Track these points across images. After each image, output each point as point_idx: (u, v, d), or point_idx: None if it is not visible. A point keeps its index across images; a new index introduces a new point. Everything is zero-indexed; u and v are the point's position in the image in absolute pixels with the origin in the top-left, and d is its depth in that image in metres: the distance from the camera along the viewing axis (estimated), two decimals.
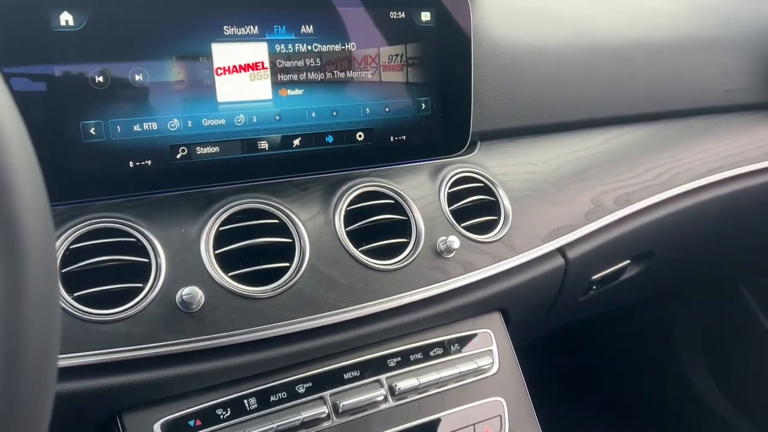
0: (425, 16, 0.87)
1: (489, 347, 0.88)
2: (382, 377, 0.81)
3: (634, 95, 1.11)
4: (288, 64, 0.79)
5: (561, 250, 0.96)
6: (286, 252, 0.76)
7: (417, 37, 0.87)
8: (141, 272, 0.69)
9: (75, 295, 0.66)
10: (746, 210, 1.24)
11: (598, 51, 1.07)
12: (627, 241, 1.05)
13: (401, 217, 0.83)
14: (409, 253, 0.82)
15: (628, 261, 1.13)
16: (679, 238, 1.17)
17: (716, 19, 1.25)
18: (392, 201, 0.84)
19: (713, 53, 1.21)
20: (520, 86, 0.99)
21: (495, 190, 0.92)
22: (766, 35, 1.24)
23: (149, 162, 0.73)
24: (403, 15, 0.86)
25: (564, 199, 0.98)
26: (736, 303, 1.65)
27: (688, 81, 1.17)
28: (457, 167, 0.91)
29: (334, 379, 0.79)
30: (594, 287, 1.11)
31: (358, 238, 0.80)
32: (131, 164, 0.73)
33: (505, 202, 0.91)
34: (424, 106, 0.89)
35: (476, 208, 0.90)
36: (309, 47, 0.80)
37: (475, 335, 0.88)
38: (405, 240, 0.83)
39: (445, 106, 0.90)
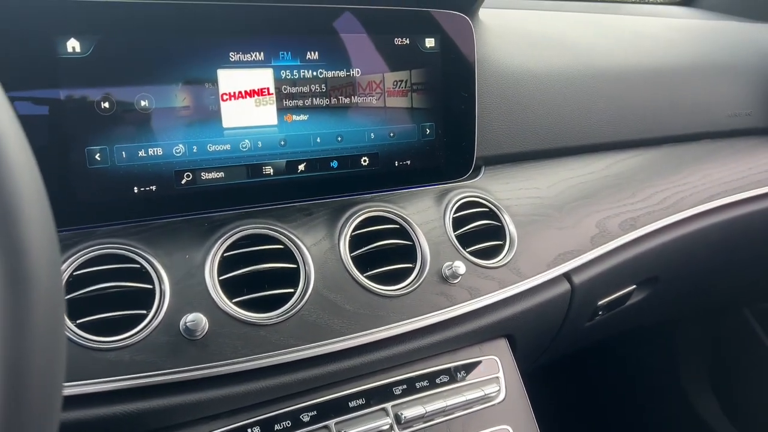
0: (429, 42, 0.88)
1: (495, 374, 0.87)
2: (388, 405, 0.80)
3: (637, 120, 1.11)
4: (293, 89, 0.80)
5: (567, 276, 0.95)
6: (290, 278, 0.75)
7: (421, 63, 0.88)
8: (145, 299, 0.68)
9: (78, 322, 0.65)
10: (749, 235, 1.23)
11: (601, 77, 1.08)
12: (632, 266, 1.04)
13: (406, 242, 0.83)
14: (414, 279, 0.81)
15: (633, 286, 1.12)
16: (683, 263, 1.17)
17: (719, 45, 1.25)
18: (397, 226, 0.84)
19: (716, 78, 1.21)
20: (524, 111, 0.99)
21: (500, 215, 0.91)
22: (766, 60, 1.25)
23: (154, 187, 0.73)
24: (408, 41, 0.86)
25: (569, 223, 0.97)
26: (740, 327, 1.64)
27: (692, 106, 1.17)
28: (462, 192, 0.91)
29: (339, 407, 0.77)
30: (600, 313, 1.10)
31: (363, 263, 0.79)
32: (136, 190, 0.72)
33: (511, 227, 0.91)
34: (428, 131, 0.89)
35: (481, 233, 0.89)
36: (314, 73, 0.81)
37: (481, 362, 0.87)
38: (410, 265, 0.82)
39: (450, 131, 0.90)
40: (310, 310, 0.74)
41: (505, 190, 0.96)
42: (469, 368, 0.86)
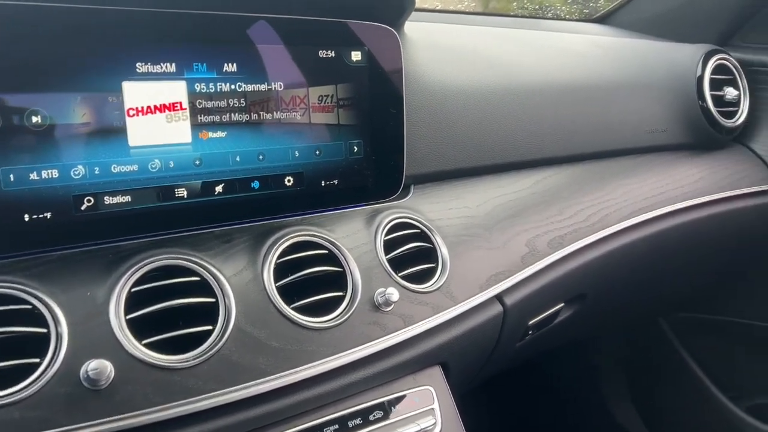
0: (356, 55, 0.83)
1: (431, 406, 0.83)
2: None
3: (562, 136, 1.11)
4: (209, 104, 0.73)
5: (499, 297, 0.92)
6: (208, 313, 0.67)
7: (347, 77, 0.82)
8: (38, 345, 0.59)
9: None
10: (667, 249, 1.25)
11: (527, 93, 1.06)
12: (561, 285, 1.03)
13: (336, 269, 0.77)
14: (345, 309, 0.76)
15: (562, 304, 1.11)
16: (608, 279, 1.17)
17: (635, 62, 1.28)
18: (326, 251, 0.78)
19: (634, 95, 1.23)
20: (452, 128, 0.96)
21: (432, 237, 0.87)
22: (680, 79, 1.28)
23: (49, 215, 0.64)
24: (333, 54, 0.81)
25: (500, 243, 0.95)
26: (657, 337, 1.68)
27: (614, 122, 1.19)
28: (392, 213, 0.86)
29: None
30: (530, 332, 1.08)
31: (289, 293, 0.73)
32: (27, 218, 0.63)
33: (443, 249, 0.87)
34: (356, 148, 0.84)
35: (413, 255, 0.85)
36: (232, 86, 0.74)
37: (415, 394, 0.83)
38: (341, 293, 0.76)
39: (378, 149, 0.86)
40: (231, 349, 0.67)
41: (435, 210, 0.92)
42: (403, 401, 0.81)
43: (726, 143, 1.35)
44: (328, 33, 0.80)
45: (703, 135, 1.29)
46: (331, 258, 0.78)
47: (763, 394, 1.56)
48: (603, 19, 1.55)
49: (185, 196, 0.72)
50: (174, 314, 0.65)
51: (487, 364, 1.03)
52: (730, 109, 1.31)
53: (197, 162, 0.73)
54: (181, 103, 0.71)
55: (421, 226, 0.87)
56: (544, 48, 1.17)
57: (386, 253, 0.82)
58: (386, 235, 0.83)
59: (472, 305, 0.87)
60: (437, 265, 0.86)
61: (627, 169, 1.21)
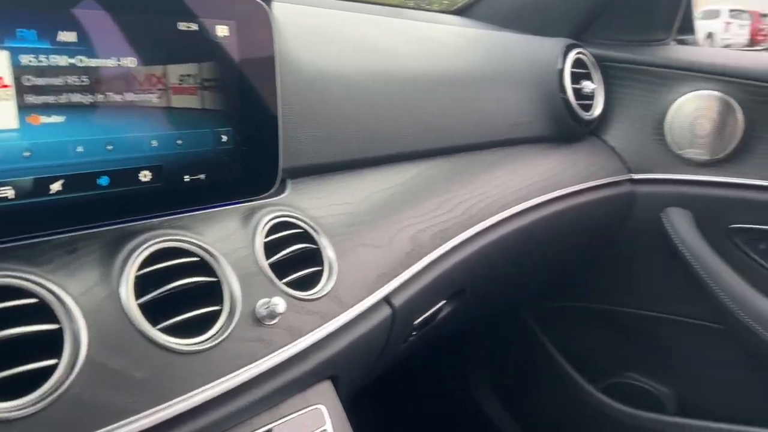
0: (222, 30, 0.71)
1: (322, 427, 0.73)
2: None
3: (437, 128, 1.07)
4: (40, 81, 0.58)
5: (387, 299, 0.86)
6: (51, 344, 0.53)
7: (213, 54, 0.71)
8: None
9: None
10: (534, 241, 1.26)
11: (404, 83, 1.01)
12: (444, 281, 0.99)
13: (209, 279, 0.65)
14: (222, 326, 0.64)
15: (444, 301, 1.07)
16: (484, 273, 1.15)
17: (500, 54, 1.28)
18: (196, 259, 0.66)
19: (500, 87, 1.23)
20: (327, 117, 0.88)
21: (315, 237, 0.78)
22: (542, 72, 1.30)
23: None
24: (196, 27, 0.69)
25: (385, 240, 0.88)
26: (519, 325, 1.72)
27: (484, 114, 1.17)
28: (270, 211, 0.76)
29: None
30: (414, 333, 1.03)
31: (154, 312, 0.60)
32: None
33: (328, 250, 0.78)
34: (225, 138, 0.73)
35: (296, 258, 0.75)
36: (71, 61, 0.60)
37: (306, 415, 0.73)
38: (217, 308, 0.65)
39: (250, 139, 0.75)
40: (83, 387, 0.53)
41: (317, 207, 0.83)
42: (292, 426, 0.71)
43: (583, 135, 1.39)
44: (189, 2, 0.68)
45: (564, 127, 1.31)
46: (203, 266, 0.66)
47: (617, 373, 1.65)
48: (462, 12, 1.54)
49: (12, 197, 0.57)
50: (8, 350, 0.50)
51: (372, 370, 0.96)
52: (588, 102, 1.35)
53: (26, 153, 0.57)
54: (2, 78, 0.56)
55: (304, 225, 0.78)
56: (416, 38, 1.13)
57: (267, 258, 0.72)
58: (266, 236, 0.73)
59: (362, 310, 0.79)
60: (323, 268, 0.77)
61: (498, 161, 1.20)
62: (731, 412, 1.46)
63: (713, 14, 16.33)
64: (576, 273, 1.57)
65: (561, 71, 1.29)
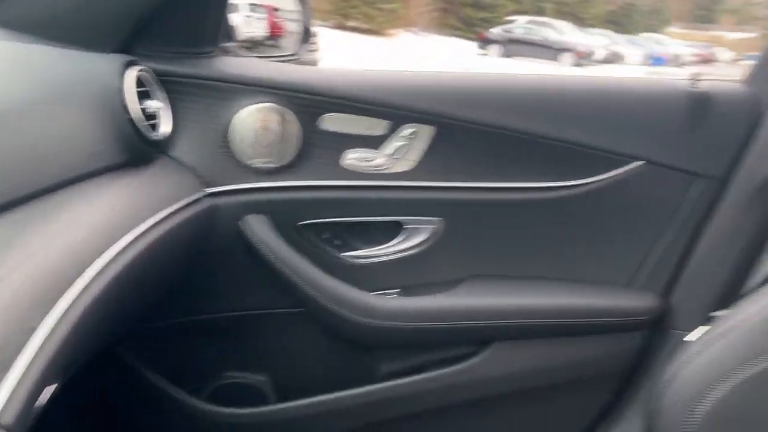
0: None
1: None
2: None
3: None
4: None
5: None
6: None
7: None
8: None
9: None
10: (139, 276, 1.15)
11: None
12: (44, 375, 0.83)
13: None
14: None
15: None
16: (88, 343, 1.02)
17: (51, 76, 1.12)
18: None
19: (60, 115, 1.08)
20: None
21: None
22: (103, 93, 1.18)
23: None
24: None
25: None
26: (119, 365, 1.61)
27: (45, 149, 1.01)
28: None
29: None
30: None
31: None
32: None
33: None
34: None
35: None
36: None
37: None
38: None
39: None
40: None
41: None
42: None
43: (157, 156, 1.34)
44: None
45: (136, 150, 1.24)
46: None
47: (217, 377, 1.68)
48: None
49: None
50: None
51: None
52: (154, 121, 1.31)
53: None
54: None
55: None
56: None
57: None
58: None
59: None
60: None
61: (78, 201, 1.04)
62: (323, 384, 1.64)
63: (233, 8, 17.47)
64: (166, 294, 1.53)
65: (120, 91, 1.20)
